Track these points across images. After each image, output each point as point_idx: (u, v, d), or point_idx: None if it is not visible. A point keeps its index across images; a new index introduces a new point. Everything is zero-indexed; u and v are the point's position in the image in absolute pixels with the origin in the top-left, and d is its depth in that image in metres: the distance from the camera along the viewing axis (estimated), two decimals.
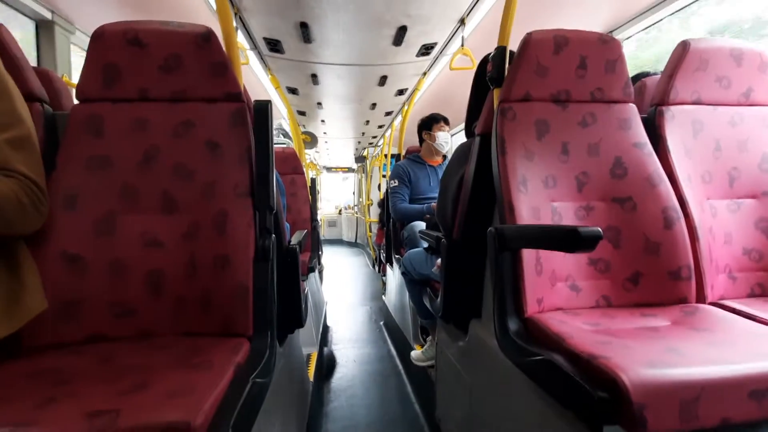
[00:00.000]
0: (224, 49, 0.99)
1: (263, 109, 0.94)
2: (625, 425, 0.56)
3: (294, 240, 1.31)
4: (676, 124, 1.09)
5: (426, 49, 2.37)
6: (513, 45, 1.08)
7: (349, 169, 9.59)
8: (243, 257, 0.85)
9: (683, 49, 1.08)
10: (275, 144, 3.81)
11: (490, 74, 1.10)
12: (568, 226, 0.65)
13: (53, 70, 1.65)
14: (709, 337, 0.72)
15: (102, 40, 0.93)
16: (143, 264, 0.88)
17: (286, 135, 5.21)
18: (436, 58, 2.54)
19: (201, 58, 0.95)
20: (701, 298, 0.96)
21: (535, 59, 1.02)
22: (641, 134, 1.06)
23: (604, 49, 1.04)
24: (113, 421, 0.49)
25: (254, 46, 2.31)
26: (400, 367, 2.36)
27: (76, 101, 0.96)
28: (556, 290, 0.95)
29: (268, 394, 0.82)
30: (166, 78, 0.95)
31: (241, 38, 2.14)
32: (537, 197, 0.97)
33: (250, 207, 0.90)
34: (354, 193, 10.10)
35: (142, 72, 0.95)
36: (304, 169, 3.12)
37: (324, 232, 9.97)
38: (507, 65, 1.08)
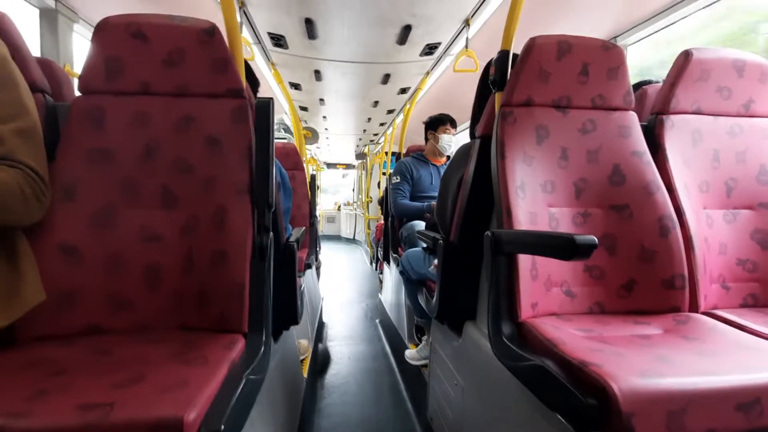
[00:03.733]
0: (227, 44, 0.99)
1: (265, 106, 0.94)
2: None
3: (292, 237, 1.31)
4: (676, 133, 1.09)
5: (430, 49, 2.37)
6: (517, 48, 1.08)
7: (348, 166, 9.59)
8: (240, 254, 0.85)
9: (685, 58, 1.08)
10: (276, 139, 3.80)
11: (493, 77, 1.11)
12: (564, 234, 0.66)
13: (55, 59, 1.64)
14: (700, 346, 0.73)
15: (105, 33, 0.93)
16: (141, 257, 0.89)
17: (287, 130, 5.20)
18: (439, 58, 2.54)
19: (204, 53, 0.95)
20: (694, 307, 0.97)
21: (538, 64, 1.02)
22: (640, 142, 1.06)
23: (606, 56, 1.05)
24: (106, 414, 0.49)
25: (258, 41, 2.31)
26: (395, 365, 2.38)
27: (77, 92, 0.96)
28: (551, 295, 0.95)
29: (261, 390, 0.83)
30: (169, 72, 0.95)
31: (245, 33, 2.14)
32: (535, 202, 0.98)
33: (249, 204, 0.90)
34: (354, 190, 10.10)
35: (144, 65, 0.95)
36: (305, 165, 3.12)
37: (322, 228, 9.97)
38: (509, 69, 1.08)
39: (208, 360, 0.67)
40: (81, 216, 0.86)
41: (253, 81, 1.37)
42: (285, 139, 4.20)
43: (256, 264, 0.86)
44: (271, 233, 0.92)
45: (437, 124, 2.39)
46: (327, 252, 7.35)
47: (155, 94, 0.95)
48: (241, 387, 0.63)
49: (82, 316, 0.83)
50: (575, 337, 0.77)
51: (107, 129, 0.92)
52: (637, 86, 1.44)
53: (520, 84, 1.03)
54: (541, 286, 0.93)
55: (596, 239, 0.62)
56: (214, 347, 0.73)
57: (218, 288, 0.85)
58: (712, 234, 1.06)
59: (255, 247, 0.87)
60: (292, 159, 2.77)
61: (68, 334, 0.82)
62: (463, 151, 1.34)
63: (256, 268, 0.86)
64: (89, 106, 0.93)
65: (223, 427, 0.53)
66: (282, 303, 1.20)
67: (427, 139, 2.50)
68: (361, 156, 7.53)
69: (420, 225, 2.26)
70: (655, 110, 1.13)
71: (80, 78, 0.94)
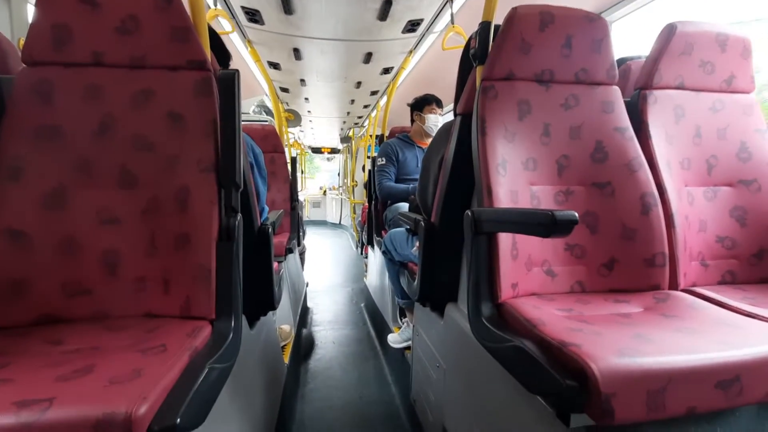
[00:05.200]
0: (189, 12, 0.91)
1: (229, 78, 0.88)
2: (592, 414, 0.55)
3: (268, 220, 1.26)
4: (659, 108, 1.07)
5: (412, 26, 2.29)
6: (500, 22, 1.03)
7: (333, 150, 9.43)
8: (205, 236, 0.80)
9: (670, 31, 1.06)
10: (256, 121, 3.67)
11: (474, 51, 1.06)
12: (544, 210, 0.63)
13: (8, 33, 1.52)
14: (680, 324, 0.72)
15: None
16: (99, 241, 0.83)
17: (269, 112, 5.05)
18: (422, 36, 2.46)
19: (161, 20, 0.87)
20: (674, 285, 0.96)
21: (520, 36, 0.97)
22: (623, 118, 1.03)
23: (590, 28, 1.01)
24: (43, 411, 0.45)
25: (232, 16, 2.19)
26: (379, 348, 2.37)
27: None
28: (532, 275, 0.93)
29: (231, 380, 0.79)
30: (123, 41, 0.88)
31: (218, 7, 2.03)
32: (516, 180, 0.94)
33: (215, 183, 0.84)
34: (339, 174, 9.98)
35: (96, 34, 0.87)
36: (285, 148, 3.04)
37: (308, 213, 9.87)
38: (491, 42, 1.03)
39: (168, 348, 0.62)
40: (29, 198, 0.79)
41: (224, 54, 1.28)
42: (266, 121, 4.08)
43: (223, 247, 0.81)
44: (240, 215, 0.87)
45: (423, 104, 2.34)
46: (313, 237, 7.29)
47: (109, 66, 0.88)
48: (202, 377, 0.59)
49: (34, 306, 0.78)
50: (555, 317, 0.75)
51: (56, 104, 0.84)
52: (621, 62, 1.41)
53: (502, 57, 0.98)
54: (522, 266, 0.91)
55: (577, 215, 0.59)
56: (176, 335, 0.68)
57: (183, 272, 0.80)
58: (692, 211, 1.05)
59: (221, 228, 0.82)
60: (272, 141, 2.68)
61: (20, 324, 0.77)
62: (444, 130, 1.30)
63: (223, 251, 0.81)
64: (35, 79, 0.85)
65: (179, 420, 0.49)
66: (258, 288, 1.15)
67: (413, 121, 2.45)
68: (346, 139, 7.41)
69: (404, 207, 2.22)
70: (639, 85, 1.10)
71: (24, 48, 0.86)
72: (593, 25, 1.01)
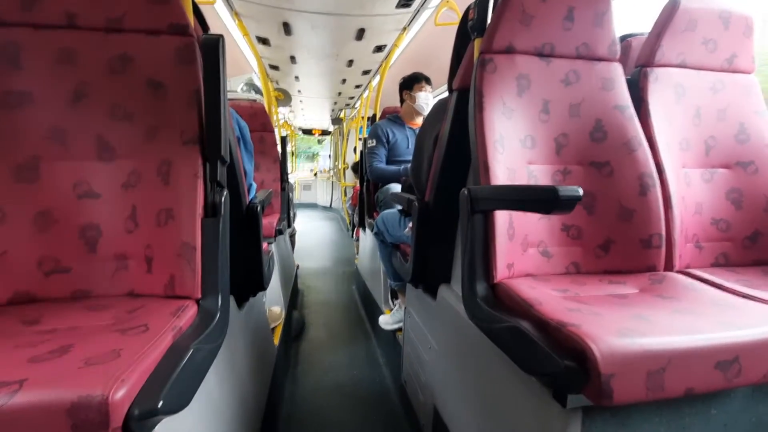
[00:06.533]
0: None
1: (213, 44, 0.82)
2: (590, 395, 0.54)
3: (257, 198, 1.22)
4: (660, 87, 1.04)
5: (406, 0, 2.21)
6: None
7: (324, 132, 9.28)
8: (189, 212, 0.76)
9: (673, 6, 1.02)
10: (244, 98, 3.57)
11: (472, 22, 1.01)
12: (547, 186, 0.60)
13: None
14: (677, 305, 0.71)
15: None
16: (76, 216, 0.78)
17: (258, 92, 4.92)
18: (417, 11, 2.38)
19: None
20: (669, 266, 0.95)
21: (520, 6, 0.93)
22: (624, 96, 1.01)
23: (593, 0, 0.97)
24: (12, 394, 0.42)
25: None
26: (370, 330, 2.37)
27: None
28: (527, 256, 0.91)
29: (219, 361, 0.76)
30: (98, 2, 0.81)
31: None
32: (514, 158, 0.92)
33: (199, 156, 0.80)
34: (330, 156, 9.86)
35: None
36: (275, 127, 2.96)
37: (299, 196, 9.78)
38: (490, 13, 0.99)
39: (150, 328, 0.59)
40: None
41: (203, 26, 1.21)
42: (254, 99, 3.96)
43: (209, 223, 0.77)
44: (226, 191, 0.83)
45: (412, 82, 2.29)
46: (303, 220, 7.24)
47: (83, 29, 0.82)
48: (187, 357, 0.56)
49: (8, 283, 0.73)
50: (552, 297, 0.73)
51: (25, 68, 0.78)
52: (622, 39, 1.37)
53: (502, 28, 0.94)
54: (518, 246, 0.89)
55: (581, 190, 0.57)
56: (160, 314, 0.65)
57: (166, 250, 0.77)
58: (689, 193, 1.03)
59: (207, 204, 0.78)
60: (261, 119, 2.60)
61: None
62: (439, 107, 1.26)
63: (208, 228, 0.77)
64: (1, 41, 0.78)
65: (161, 404, 0.46)
66: (246, 268, 1.12)
67: (402, 101, 2.40)
68: (337, 121, 7.29)
69: (396, 188, 2.19)
70: (640, 62, 1.07)
71: None
72: None
